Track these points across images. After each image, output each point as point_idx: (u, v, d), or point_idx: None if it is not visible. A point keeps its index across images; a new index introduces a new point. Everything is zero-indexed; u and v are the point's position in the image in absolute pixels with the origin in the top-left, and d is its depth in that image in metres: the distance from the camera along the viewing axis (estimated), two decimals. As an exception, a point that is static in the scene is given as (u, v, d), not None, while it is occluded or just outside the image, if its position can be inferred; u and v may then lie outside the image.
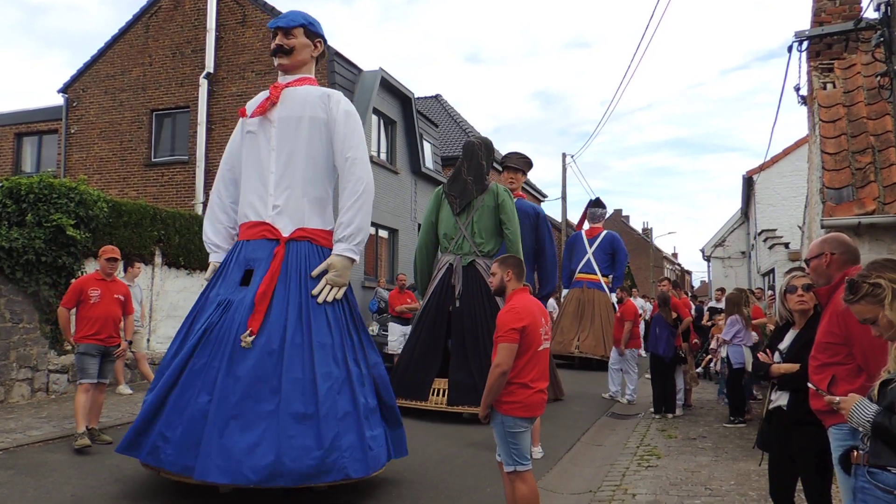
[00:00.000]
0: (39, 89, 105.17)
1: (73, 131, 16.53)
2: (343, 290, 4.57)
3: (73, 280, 7.54)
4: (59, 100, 16.89)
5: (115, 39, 16.46)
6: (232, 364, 4.15)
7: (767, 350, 3.74)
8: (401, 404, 7.61)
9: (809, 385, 3.03)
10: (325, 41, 4.90)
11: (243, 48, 15.23)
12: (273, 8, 15.63)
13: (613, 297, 14.30)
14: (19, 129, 17.83)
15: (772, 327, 7.88)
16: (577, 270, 15.03)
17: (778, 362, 3.57)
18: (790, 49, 7.17)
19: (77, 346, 6.08)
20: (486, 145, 8.79)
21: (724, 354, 8.14)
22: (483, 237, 8.37)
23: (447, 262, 8.45)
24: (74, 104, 16.60)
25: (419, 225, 10.28)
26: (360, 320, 4.79)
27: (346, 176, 4.61)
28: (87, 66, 16.60)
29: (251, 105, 4.83)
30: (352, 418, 4.31)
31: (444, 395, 7.78)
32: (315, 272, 4.49)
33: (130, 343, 6.43)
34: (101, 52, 16.52)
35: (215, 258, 4.95)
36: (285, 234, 4.54)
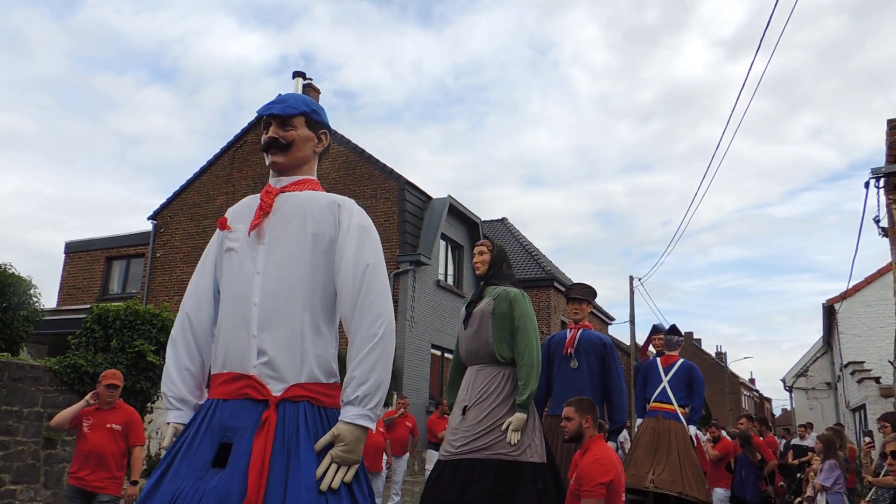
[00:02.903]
0: (129, 211, 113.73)
1: (158, 255, 17.52)
2: (354, 469, 3.30)
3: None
4: (147, 225, 18.14)
5: (203, 170, 17.75)
6: None
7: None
8: None
9: None
10: (330, 132, 3.46)
11: (319, 177, 16.03)
12: (349, 141, 16.59)
13: (692, 430, 13.56)
14: (110, 254, 19.11)
15: (868, 477, 7.29)
16: (652, 399, 14.45)
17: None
18: (867, 185, 7.08)
19: None
20: None
21: (822, 503, 7.48)
22: None
23: None
24: (162, 230, 17.70)
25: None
26: None
27: (360, 312, 3.30)
28: (176, 195, 17.85)
29: (235, 214, 3.61)
30: None
31: None
32: (318, 445, 3.18)
33: (136, 484, 4.91)
34: (190, 182, 17.79)
35: (177, 418, 3.66)
36: (276, 391, 3.21)
